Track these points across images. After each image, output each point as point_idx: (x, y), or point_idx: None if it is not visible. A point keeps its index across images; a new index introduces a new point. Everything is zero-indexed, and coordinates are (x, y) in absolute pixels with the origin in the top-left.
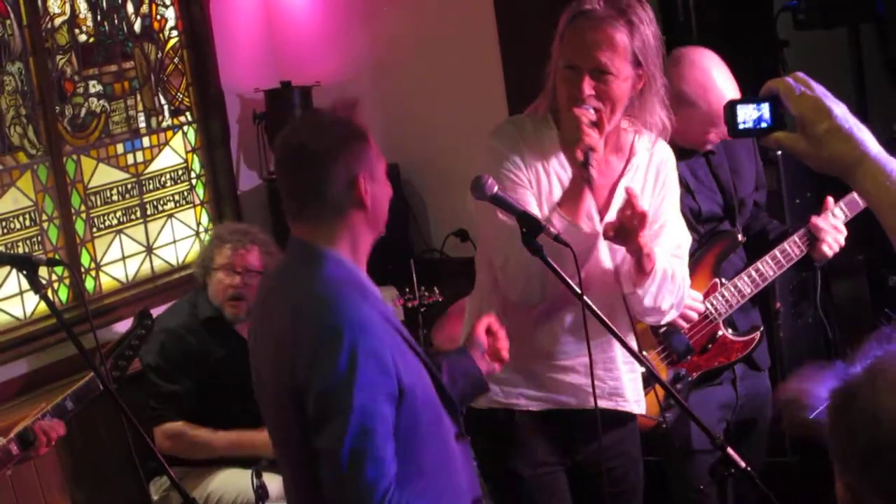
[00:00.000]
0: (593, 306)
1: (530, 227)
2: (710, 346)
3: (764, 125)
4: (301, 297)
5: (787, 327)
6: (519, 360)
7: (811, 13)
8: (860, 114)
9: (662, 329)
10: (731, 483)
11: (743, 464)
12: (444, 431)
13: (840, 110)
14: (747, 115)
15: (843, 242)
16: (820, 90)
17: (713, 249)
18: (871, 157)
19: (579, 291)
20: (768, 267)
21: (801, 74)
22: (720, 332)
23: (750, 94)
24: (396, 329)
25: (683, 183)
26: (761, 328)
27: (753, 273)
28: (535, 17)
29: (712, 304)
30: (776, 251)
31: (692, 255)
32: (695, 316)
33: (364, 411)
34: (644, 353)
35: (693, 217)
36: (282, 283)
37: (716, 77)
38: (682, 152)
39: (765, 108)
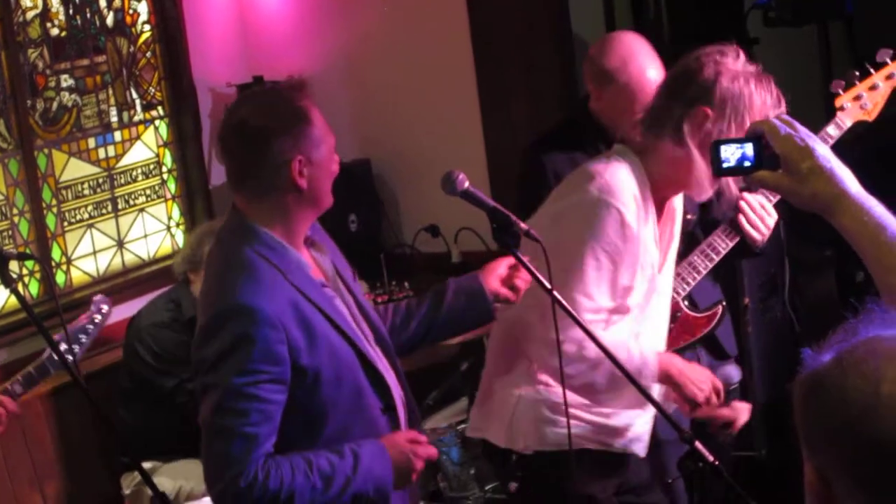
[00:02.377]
0: (564, 302)
1: (501, 223)
2: (672, 325)
3: (747, 164)
4: (214, 271)
5: (755, 322)
6: None
7: (781, 10)
8: (828, 110)
9: None
10: (700, 477)
11: (711, 457)
12: (364, 405)
13: (822, 150)
14: (731, 154)
15: (769, 224)
16: (804, 131)
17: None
18: (851, 195)
19: (549, 287)
20: (720, 240)
21: (785, 116)
22: (681, 311)
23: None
24: (319, 309)
25: None
26: (723, 302)
27: (706, 248)
28: (507, 14)
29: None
30: (726, 224)
31: None
32: None
33: (237, 391)
34: None
35: None
36: (215, 249)
37: (636, 52)
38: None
39: (748, 148)
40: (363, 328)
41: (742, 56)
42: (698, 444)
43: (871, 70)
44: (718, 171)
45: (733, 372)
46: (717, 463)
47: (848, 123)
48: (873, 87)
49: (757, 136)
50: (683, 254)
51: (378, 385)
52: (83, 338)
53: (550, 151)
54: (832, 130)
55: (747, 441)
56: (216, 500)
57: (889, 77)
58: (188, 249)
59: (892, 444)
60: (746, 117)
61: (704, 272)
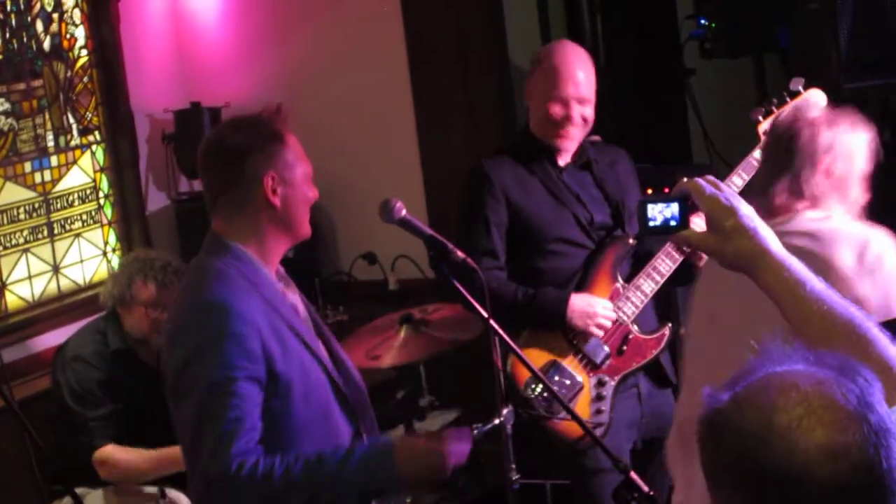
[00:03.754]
0: (499, 329)
1: (437, 251)
2: (624, 347)
3: (673, 223)
4: (185, 283)
5: None
6: None
7: (717, 42)
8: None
9: (574, 338)
10: None
11: (646, 488)
12: (333, 428)
13: (746, 210)
14: (657, 212)
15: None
16: (728, 191)
17: (608, 255)
18: (772, 253)
19: (486, 315)
20: (663, 263)
21: (710, 177)
22: (632, 334)
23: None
24: (289, 325)
25: (574, 194)
26: (669, 324)
27: (651, 271)
28: (444, 42)
29: (619, 307)
30: (668, 247)
31: (591, 261)
32: (608, 324)
33: (216, 384)
34: (563, 361)
35: (587, 225)
36: (188, 270)
37: (563, 47)
38: (555, 166)
39: (674, 207)
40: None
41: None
42: (633, 475)
43: (787, 98)
44: (645, 229)
45: (669, 402)
46: (651, 493)
47: None
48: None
49: (683, 195)
50: (628, 277)
51: (346, 410)
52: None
53: (495, 168)
54: (758, 154)
55: None
56: (208, 486)
57: (804, 104)
58: (117, 287)
59: (787, 474)
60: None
61: (651, 294)
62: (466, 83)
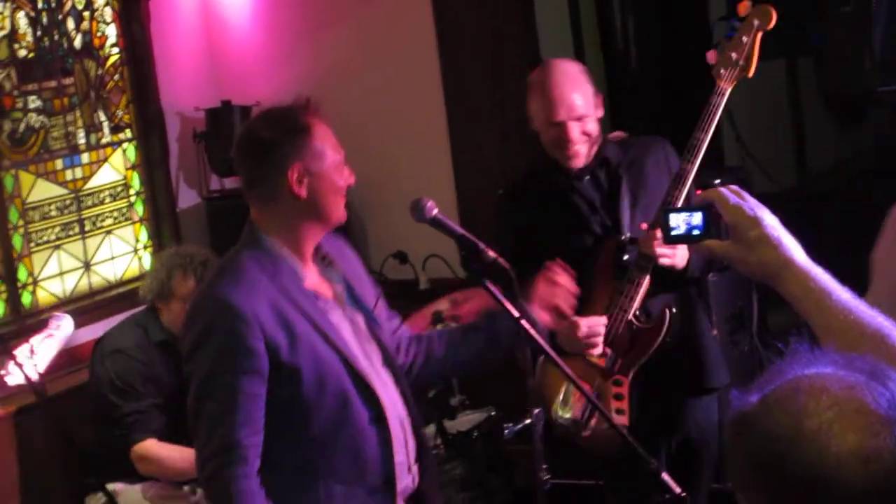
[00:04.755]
0: (530, 329)
1: (469, 250)
2: (630, 343)
3: (696, 233)
4: (212, 273)
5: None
6: None
7: None
8: (797, 142)
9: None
10: None
11: (678, 490)
12: (351, 413)
13: (770, 219)
14: (680, 222)
15: (668, 252)
16: (752, 201)
17: (602, 257)
18: (796, 263)
19: (517, 315)
20: (637, 272)
21: (734, 186)
22: (635, 327)
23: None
24: (306, 315)
25: (589, 202)
26: (673, 310)
27: (641, 261)
28: (475, 40)
29: (618, 305)
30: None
31: (591, 267)
32: (596, 341)
33: (210, 379)
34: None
35: (604, 232)
36: (217, 265)
37: (556, 66)
38: (569, 178)
39: (697, 217)
40: (367, 345)
41: None
42: (665, 476)
43: (735, 27)
44: (668, 238)
45: (712, 410)
46: (683, 495)
47: (728, 89)
48: (742, 44)
49: (706, 205)
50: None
51: (367, 396)
52: (45, 352)
53: (511, 198)
54: (715, 100)
55: (720, 474)
56: (203, 480)
57: (751, 28)
58: (156, 281)
59: (817, 477)
60: None
61: (645, 286)
62: (498, 82)
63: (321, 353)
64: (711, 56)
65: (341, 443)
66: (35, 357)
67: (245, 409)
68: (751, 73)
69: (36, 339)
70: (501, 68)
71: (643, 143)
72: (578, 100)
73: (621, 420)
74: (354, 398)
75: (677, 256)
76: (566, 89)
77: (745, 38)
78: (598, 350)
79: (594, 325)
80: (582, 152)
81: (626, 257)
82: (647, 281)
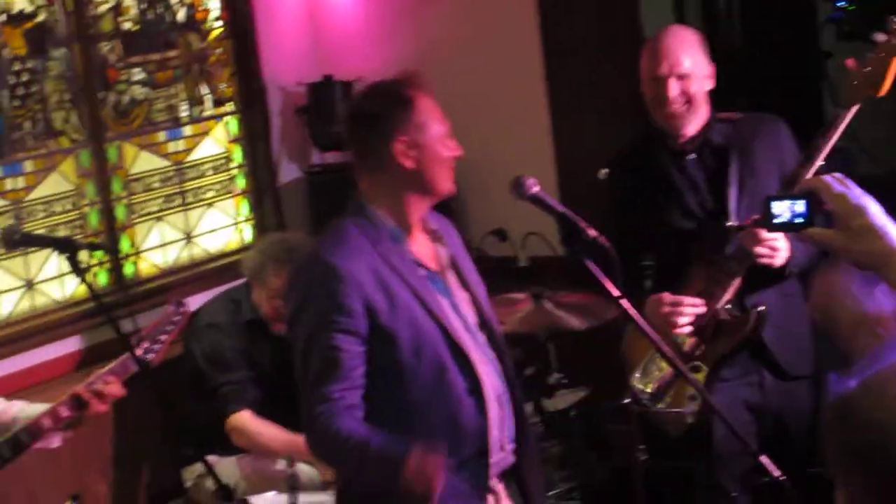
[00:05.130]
0: (630, 309)
1: (569, 228)
2: (715, 332)
3: (799, 220)
4: (318, 240)
5: (824, 340)
6: None
7: (855, 25)
8: None
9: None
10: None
11: (778, 472)
12: (447, 382)
13: (875, 208)
14: (783, 209)
15: (775, 247)
16: (857, 189)
17: (703, 241)
18: None
19: (617, 294)
20: (734, 263)
21: (838, 174)
22: (721, 317)
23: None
24: (406, 282)
25: (691, 181)
26: (761, 309)
27: (740, 254)
28: (578, 19)
29: (710, 292)
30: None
31: (692, 250)
32: (682, 321)
33: (313, 338)
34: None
35: (700, 212)
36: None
37: (665, 29)
38: (674, 155)
39: (800, 205)
40: (470, 320)
41: None
42: (764, 459)
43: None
44: (770, 226)
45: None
46: (783, 478)
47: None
48: (880, 63)
49: (809, 192)
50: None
51: (464, 367)
52: (163, 337)
53: (617, 166)
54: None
55: (818, 458)
56: (308, 435)
57: (892, 50)
58: (254, 262)
59: None
60: None
61: (740, 276)
62: (599, 59)
63: (419, 320)
64: (851, 63)
65: (437, 411)
66: (155, 344)
67: (344, 366)
68: (881, 93)
69: (159, 326)
70: (603, 45)
71: (755, 121)
72: (684, 58)
73: (692, 406)
74: (451, 367)
75: (777, 257)
76: (673, 45)
77: (883, 56)
78: (681, 330)
79: (678, 301)
80: (681, 115)
81: (727, 246)
82: (742, 274)
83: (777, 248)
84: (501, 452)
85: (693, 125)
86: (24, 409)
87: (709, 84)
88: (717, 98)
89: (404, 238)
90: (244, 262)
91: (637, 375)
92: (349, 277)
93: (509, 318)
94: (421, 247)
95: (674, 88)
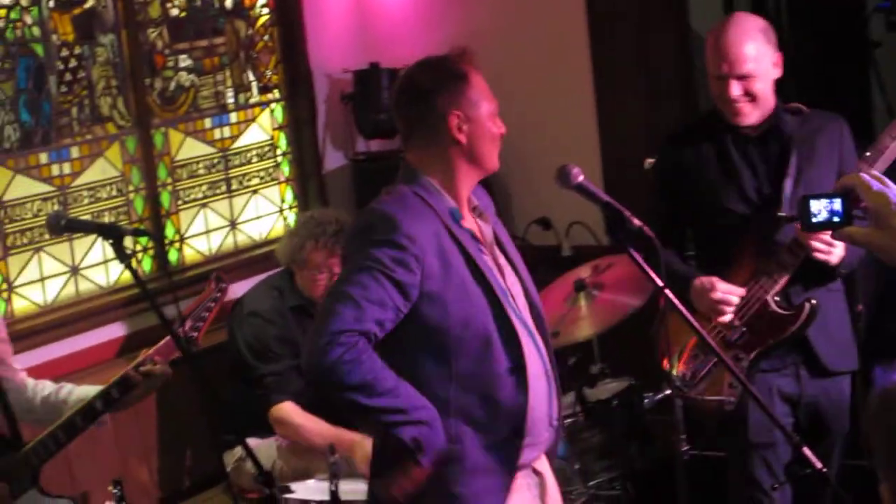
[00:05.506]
0: (674, 299)
1: (614, 218)
2: (760, 323)
3: (837, 219)
4: (375, 200)
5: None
6: None
7: None
8: None
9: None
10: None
11: (819, 464)
12: (492, 357)
13: None
14: (821, 208)
15: (832, 243)
16: (895, 186)
17: (756, 228)
18: None
19: (661, 284)
20: (789, 256)
21: (875, 171)
22: (769, 309)
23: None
24: (462, 251)
25: (750, 166)
26: (813, 303)
27: (793, 246)
28: (624, 7)
29: (758, 283)
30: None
31: (743, 236)
32: (726, 310)
33: (365, 270)
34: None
35: (756, 197)
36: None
37: (729, 21)
38: (737, 137)
39: (837, 203)
40: (516, 297)
41: None
42: (806, 450)
43: None
44: (808, 225)
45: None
46: (824, 470)
47: None
48: None
49: (846, 191)
50: (772, 254)
51: (510, 343)
52: (205, 315)
53: (676, 143)
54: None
55: (857, 450)
56: (313, 352)
57: None
58: (290, 246)
59: None
60: None
61: (793, 269)
62: (646, 50)
63: (470, 289)
64: None
65: (478, 385)
66: (198, 322)
67: (383, 310)
68: None
69: (201, 304)
70: (649, 36)
71: (820, 117)
72: (748, 57)
73: (732, 396)
74: (496, 342)
75: (833, 254)
76: (737, 43)
77: None
78: (726, 318)
79: (730, 292)
80: (746, 112)
81: (779, 237)
82: (795, 268)
83: (834, 245)
84: (550, 429)
85: (756, 116)
86: (73, 392)
87: (775, 73)
88: None
89: (458, 210)
90: (279, 252)
91: (675, 360)
92: (410, 234)
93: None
94: (470, 220)
95: (735, 89)
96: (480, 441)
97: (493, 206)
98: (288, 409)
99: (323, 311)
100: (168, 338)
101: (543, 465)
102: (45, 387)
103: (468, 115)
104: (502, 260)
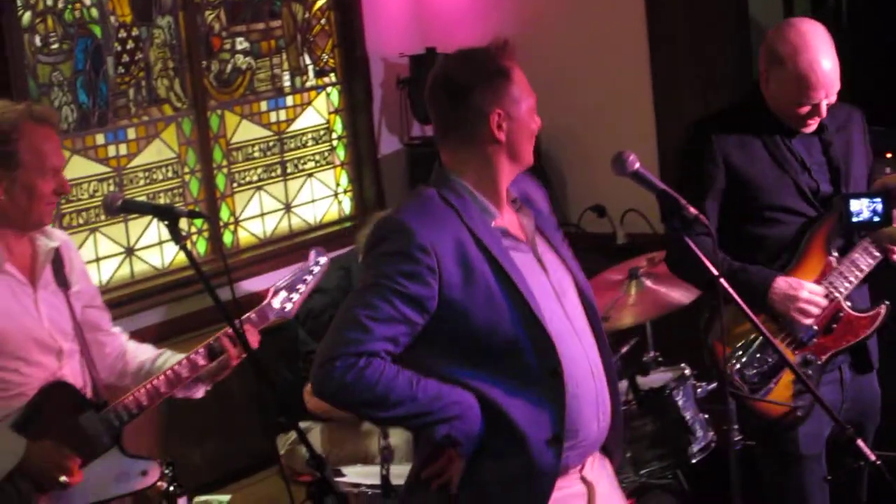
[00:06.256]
0: (728, 288)
1: (670, 206)
2: (834, 325)
3: (877, 219)
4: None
5: None
6: None
7: None
8: None
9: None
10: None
11: (873, 456)
12: (522, 364)
13: None
14: (862, 207)
15: None
16: None
17: (824, 227)
18: None
19: (716, 273)
20: (863, 255)
21: None
22: (843, 311)
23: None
24: (489, 255)
25: (799, 159)
26: (887, 304)
27: (868, 245)
28: None
29: (831, 283)
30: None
31: (806, 233)
32: (814, 311)
33: (373, 289)
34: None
35: (811, 194)
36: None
37: (811, 42)
38: (785, 132)
39: (878, 203)
40: (561, 290)
41: None
42: (860, 443)
43: None
44: (849, 224)
45: (873, 387)
46: (878, 462)
47: None
48: None
49: (886, 190)
50: (843, 250)
51: (541, 347)
52: (300, 287)
53: (718, 129)
54: None
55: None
56: (315, 376)
57: None
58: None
59: None
60: None
61: (867, 270)
62: (704, 37)
63: (496, 296)
64: None
65: (509, 391)
66: (293, 294)
67: (393, 327)
68: None
69: (297, 276)
70: (708, 22)
71: (843, 110)
72: (833, 74)
73: (802, 401)
74: (526, 348)
75: None
76: (826, 68)
77: None
78: (809, 321)
79: (816, 292)
80: (817, 121)
81: (844, 235)
82: (871, 268)
83: None
84: (596, 426)
85: None
86: (168, 360)
87: None
88: None
89: (491, 209)
90: (358, 240)
91: (734, 362)
92: (426, 247)
93: (615, 313)
94: (506, 217)
95: (824, 107)
96: (517, 452)
97: (546, 195)
98: None
99: (329, 332)
100: (259, 306)
101: (597, 471)
102: (144, 352)
103: (509, 112)
104: (548, 254)
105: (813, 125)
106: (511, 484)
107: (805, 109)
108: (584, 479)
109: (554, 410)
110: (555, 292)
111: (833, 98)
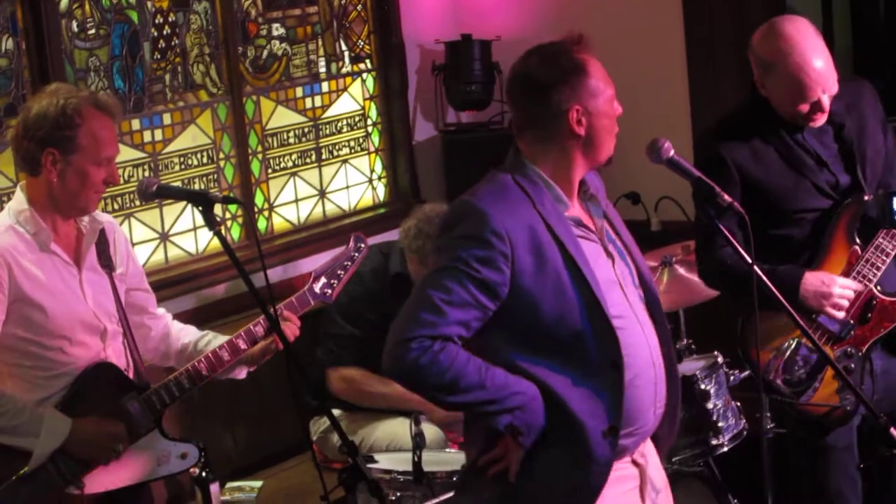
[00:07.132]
0: (763, 275)
1: (705, 193)
2: (869, 314)
3: None
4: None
5: None
6: None
7: None
8: None
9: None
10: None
11: None
12: (584, 352)
13: None
14: None
15: None
16: None
17: (843, 218)
18: None
19: (750, 261)
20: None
21: None
22: (875, 298)
23: None
24: (560, 243)
25: (814, 156)
26: None
27: (893, 230)
28: None
29: (859, 272)
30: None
31: (826, 226)
32: (845, 304)
33: (448, 272)
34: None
35: (832, 190)
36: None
37: (797, 43)
38: (791, 129)
39: None
40: (625, 284)
41: None
42: (894, 431)
43: None
44: (890, 222)
45: None
46: None
47: None
48: None
49: None
50: (869, 238)
51: (604, 337)
52: (341, 273)
53: (727, 139)
54: None
55: None
56: (389, 355)
57: None
58: (406, 235)
59: None
60: None
61: (893, 254)
62: (740, 26)
63: (566, 285)
64: None
65: (570, 381)
66: (333, 279)
67: (466, 311)
68: None
69: (339, 261)
70: (744, 11)
71: (851, 86)
72: (828, 70)
73: (846, 396)
74: (589, 338)
75: None
76: (819, 67)
77: None
78: (841, 315)
79: (847, 286)
80: (822, 116)
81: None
82: (894, 248)
83: None
84: (652, 415)
85: None
86: (211, 343)
87: None
88: (862, 71)
89: (564, 198)
90: (403, 230)
91: (773, 362)
92: (501, 233)
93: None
94: (579, 208)
95: (826, 101)
96: (573, 444)
97: (604, 188)
98: (355, 373)
99: (404, 312)
100: (300, 292)
101: (646, 454)
102: (188, 334)
103: (588, 107)
104: (614, 245)
105: (820, 119)
106: (566, 472)
107: (806, 108)
108: (635, 462)
109: (612, 401)
110: (619, 282)
111: (833, 90)
